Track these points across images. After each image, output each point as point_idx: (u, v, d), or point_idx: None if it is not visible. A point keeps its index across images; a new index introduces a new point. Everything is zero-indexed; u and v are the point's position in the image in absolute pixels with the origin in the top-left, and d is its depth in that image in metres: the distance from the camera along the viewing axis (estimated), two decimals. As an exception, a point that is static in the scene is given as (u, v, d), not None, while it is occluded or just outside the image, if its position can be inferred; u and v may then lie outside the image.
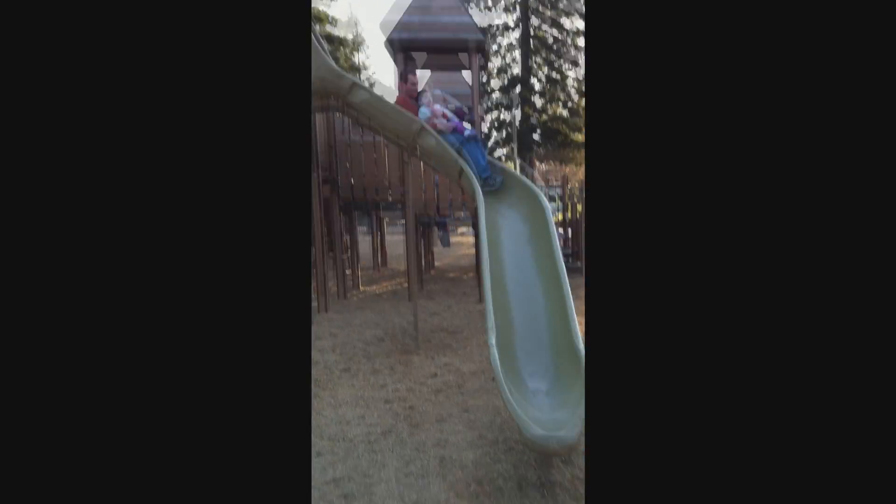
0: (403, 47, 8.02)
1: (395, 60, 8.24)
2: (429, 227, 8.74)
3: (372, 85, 17.82)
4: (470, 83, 9.93)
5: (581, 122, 21.81)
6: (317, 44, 4.88)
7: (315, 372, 3.72)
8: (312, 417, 3.03)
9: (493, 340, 2.86)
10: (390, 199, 6.77)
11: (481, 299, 5.59)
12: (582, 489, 2.26)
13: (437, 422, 2.97)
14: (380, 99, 5.15)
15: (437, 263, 10.54)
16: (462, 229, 17.57)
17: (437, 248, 13.78)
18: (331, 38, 16.64)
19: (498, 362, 2.65)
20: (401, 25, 8.02)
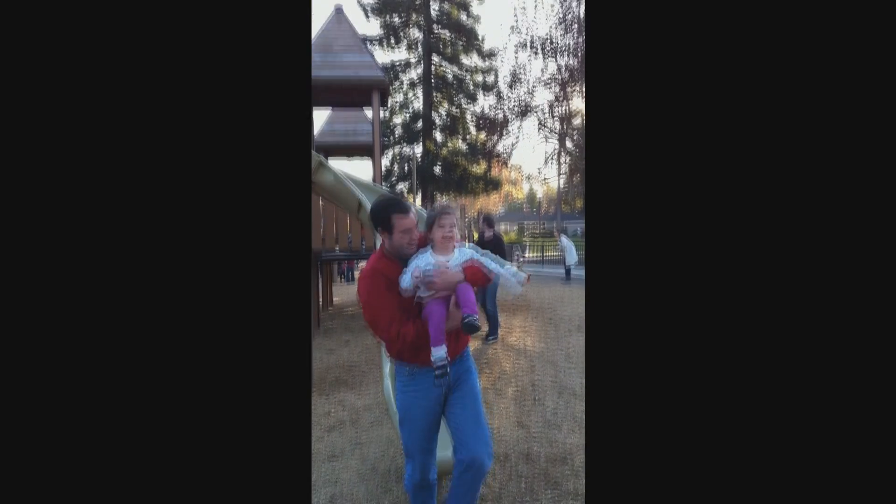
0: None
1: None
2: (328, 262, 8.70)
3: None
4: (371, 119, 10.17)
5: (479, 156, 22.87)
6: None
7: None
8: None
9: (387, 370, 2.98)
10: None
11: (381, 332, 5.64)
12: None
13: (328, 460, 3.01)
14: (342, 178, 5.17)
15: (335, 299, 10.45)
16: (363, 264, 17.50)
17: (337, 284, 13.61)
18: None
19: (390, 392, 2.77)
20: (299, 62, 8.07)
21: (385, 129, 21.12)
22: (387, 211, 1.86)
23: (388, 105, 20.37)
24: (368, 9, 20.63)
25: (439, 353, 1.79)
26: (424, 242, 1.95)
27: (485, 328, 6.30)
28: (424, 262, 1.87)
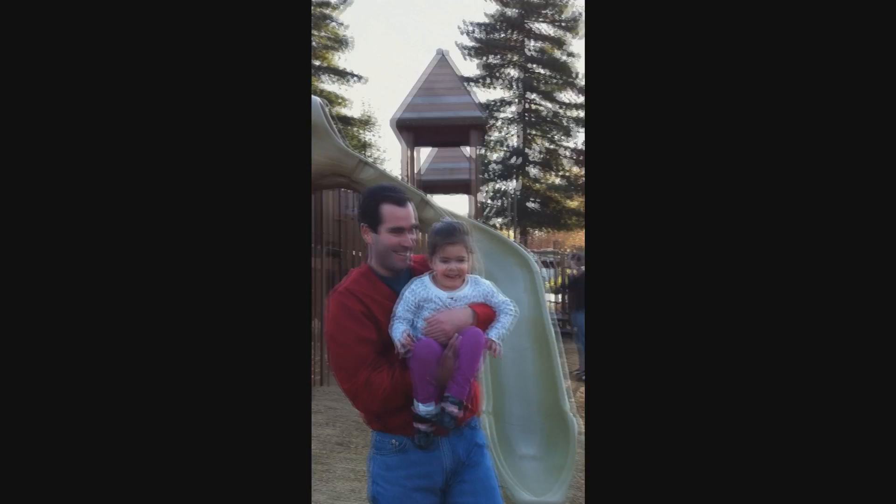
0: (409, 127, 8.59)
1: (402, 140, 8.79)
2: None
3: (378, 161, 18.56)
4: (468, 156, 10.55)
5: (575, 191, 22.64)
6: (327, 124, 5.33)
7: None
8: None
9: (483, 407, 3.06)
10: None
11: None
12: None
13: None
14: (385, 174, 5.59)
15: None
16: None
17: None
18: (342, 119, 17.51)
19: (491, 429, 2.84)
20: (407, 106, 8.63)
21: (481, 165, 21.63)
22: (376, 198, 1.41)
23: (486, 142, 20.92)
24: (468, 51, 21.52)
25: (426, 408, 1.30)
26: (424, 266, 1.47)
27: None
28: (421, 293, 1.37)
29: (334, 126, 5.83)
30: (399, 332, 1.34)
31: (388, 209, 1.39)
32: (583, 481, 3.17)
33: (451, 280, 1.39)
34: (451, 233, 1.38)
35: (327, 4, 18.56)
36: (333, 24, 18.75)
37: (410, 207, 1.42)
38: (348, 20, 33.45)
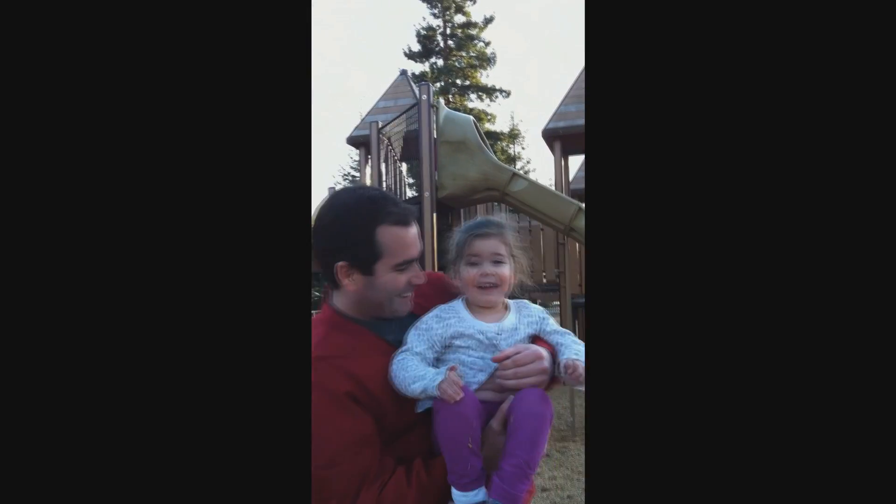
0: (559, 136, 8.42)
1: (553, 150, 8.64)
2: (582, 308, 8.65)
3: (527, 173, 18.64)
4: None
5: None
6: (480, 141, 5.41)
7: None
8: None
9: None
10: (545, 280, 6.92)
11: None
12: None
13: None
14: (537, 184, 5.49)
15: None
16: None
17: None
18: (490, 135, 17.91)
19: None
20: (557, 115, 8.47)
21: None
22: (367, 218, 0.93)
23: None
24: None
25: (468, 498, 0.86)
26: (446, 290, 1.03)
27: None
28: (453, 324, 0.96)
29: (486, 142, 5.91)
30: (417, 372, 0.88)
31: (390, 234, 0.92)
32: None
33: (486, 294, 0.94)
34: (480, 224, 0.98)
35: (472, 25, 19.15)
36: (480, 43, 19.25)
37: (414, 225, 0.96)
38: (491, 37, 34.43)
